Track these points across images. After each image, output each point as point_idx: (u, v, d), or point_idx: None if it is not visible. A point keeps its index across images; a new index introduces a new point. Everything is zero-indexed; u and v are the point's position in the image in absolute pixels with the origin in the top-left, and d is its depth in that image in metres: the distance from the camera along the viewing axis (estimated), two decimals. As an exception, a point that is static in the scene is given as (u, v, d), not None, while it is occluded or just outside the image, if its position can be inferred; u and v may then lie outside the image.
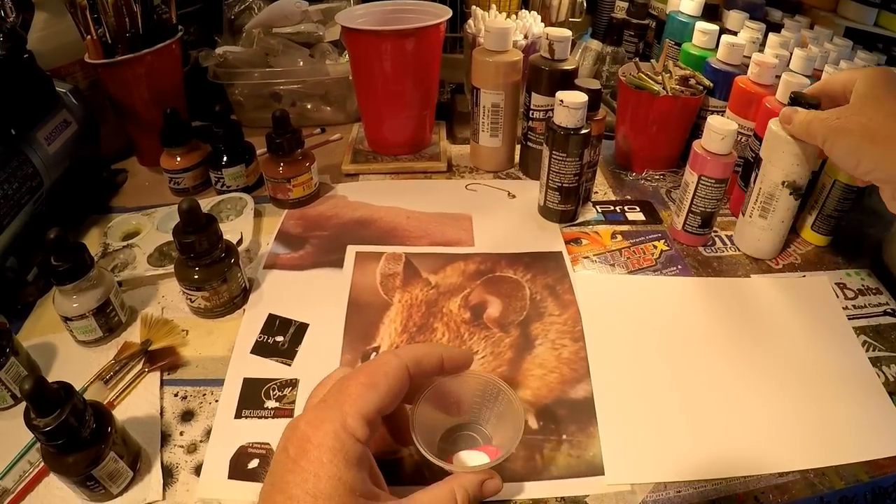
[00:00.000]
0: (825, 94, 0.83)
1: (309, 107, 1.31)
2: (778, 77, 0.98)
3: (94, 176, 1.13)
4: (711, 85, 1.11)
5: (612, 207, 1.10)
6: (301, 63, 1.27)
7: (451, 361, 0.63)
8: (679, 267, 0.97)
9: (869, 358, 0.85)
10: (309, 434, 0.50)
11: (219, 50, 1.27)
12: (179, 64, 1.21)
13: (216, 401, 0.75)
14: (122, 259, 0.96)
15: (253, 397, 0.75)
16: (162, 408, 0.74)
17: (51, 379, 0.59)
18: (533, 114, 1.11)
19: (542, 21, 1.27)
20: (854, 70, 0.82)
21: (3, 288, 0.86)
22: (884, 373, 0.84)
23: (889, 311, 0.93)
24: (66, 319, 0.79)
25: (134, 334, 0.83)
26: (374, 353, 0.80)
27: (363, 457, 0.51)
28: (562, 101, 0.94)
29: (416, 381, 0.59)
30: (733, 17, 1.26)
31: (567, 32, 1.05)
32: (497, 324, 0.85)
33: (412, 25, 1.06)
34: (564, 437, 0.72)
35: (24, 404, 0.59)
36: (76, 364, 0.80)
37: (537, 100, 1.09)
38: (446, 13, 1.10)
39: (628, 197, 1.14)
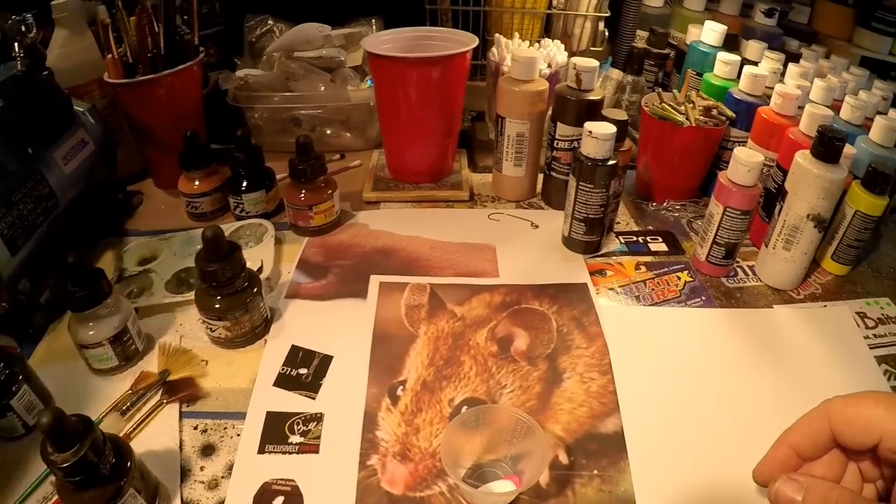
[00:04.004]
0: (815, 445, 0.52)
1: (329, 132, 1.29)
2: (800, 108, 0.97)
3: (109, 197, 1.11)
4: (734, 116, 1.10)
5: (634, 238, 1.09)
6: (322, 88, 1.26)
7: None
8: (703, 298, 0.96)
9: (891, 387, 0.86)
10: None
11: (239, 73, 1.25)
12: (200, 86, 1.19)
13: (238, 435, 0.73)
14: (139, 285, 0.94)
15: (276, 431, 0.73)
16: (181, 441, 0.72)
17: (64, 407, 0.57)
18: (558, 143, 1.10)
19: (564, 50, 1.26)
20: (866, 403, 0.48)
21: (15, 311, 0.83)
22: (905, 400, 0.83)
23: None
24: (82, 347, 0.77)
25: (151, 364, 0.81)
26: (401, 388, 0.79)
27: None
28: (591, 132, 0.93)
29: None
30: (752, 47, 1.26)
31: (594, 63, 1.04)
32: (525, 357, 0.84)
33: (439, 53, 1.05)
34: (596, 471, 0.70)
35: (36, 432, 0.57)
36: (91, 393, 0.78)
37: (563, 129, 1.08)
38: (473, 41, 1.09)
39: (650, 227, 1.13)
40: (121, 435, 0.70)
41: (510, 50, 1.18)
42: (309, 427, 0.73)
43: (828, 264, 1.04)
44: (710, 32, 1.28)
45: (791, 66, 1.13)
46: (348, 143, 1.32)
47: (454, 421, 0.67)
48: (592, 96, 1.05)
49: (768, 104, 1.04)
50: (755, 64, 1.17)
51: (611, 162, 0.95)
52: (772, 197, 1.00)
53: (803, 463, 0.50)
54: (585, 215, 0.99)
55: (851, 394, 0.45)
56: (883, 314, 0.97)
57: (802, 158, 0.89)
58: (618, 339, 0.88)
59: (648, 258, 1.05)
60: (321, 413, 0.75)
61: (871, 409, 0.45)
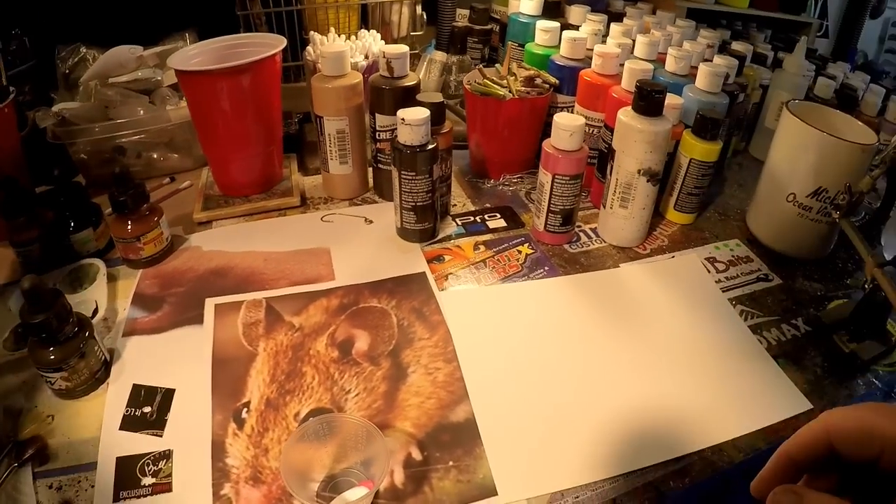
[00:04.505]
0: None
1: (155, 156, 1.28)
2: (623, 66, 1.00)
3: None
4: (557, 82, 1.13)
5: (472, 218, 1.12)
6: (142, 112, 1.24)
7: None
8: (546, 268, 0.99)
9: (749, 326, 0.90)
10: None
11: (55, 108, 1.22)
12: (15, 127, 1.16)
13: (91, 486, 0.73)
14: (-25, 347, 0.92)
15: (129, 477, 0.73)
16: (39, 503, 0.72)
17: None
18: (379, 135, 1.12)
19: (382, 39, 1.27)
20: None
21: None
22: (765, 338, 0.89)
23: (761, 276, 0.98)
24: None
25: (-4, 428, 0.80)
26: (245, 410, 0.80)
27: None
28: (403, 119, 0.95)
29: None
30: (575, 12, 1.29)
31: (403, 48, 1.06)
32: (367, 357, 0.86)
33: (246, 60, 1.04)
34: (451, 463, 0.72)
35: None
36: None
37: (382, 120, 1.10)
38: (280, 43, 1.09)
39: (488, 205, 1.16)
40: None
41: (323, 46, 1.18)
42: (160, 466, 0.74)
43: (672, 215, 1.08)
44: (528, 3, 1.32)
45: (613, 25, 1.16)
46: (176, 165, 1.30)
47: (291, 437, 0.69)
48: (407, 82, 1.07)
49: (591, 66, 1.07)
50: (577, 28, 1.20)
51: (430, 146, 0.97)
52: (604, 157, 1.03)
53: (803, 476, 0.47)
54: (413, 203, 1.02)
55: (851, 406, 0.44)
56: (733, 255, 1.02)
57: (625, 115, 0.93)
58: (460, 324, 0.90)
59: (487, 236, 1.08)
60: (170, 450, 0.76)
61: (872, 420, 0.42)
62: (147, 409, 0.81)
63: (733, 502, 0.76)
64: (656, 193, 0.98)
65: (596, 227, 1.07)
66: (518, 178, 1.21)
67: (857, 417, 0.42)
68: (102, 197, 1.10)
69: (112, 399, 0.83)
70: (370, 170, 1.22)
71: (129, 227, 1.01)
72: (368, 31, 1.29)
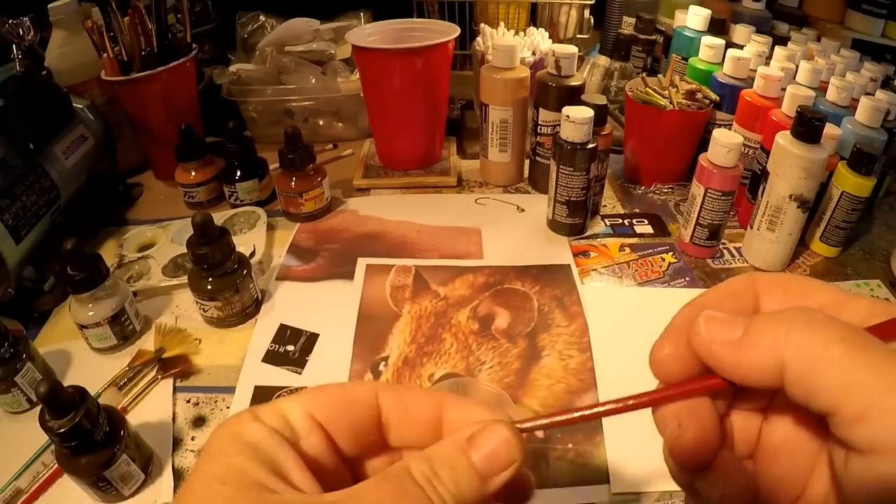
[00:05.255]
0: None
1: (321, 123, 1.33)
2: (784, 90, 0.98)
3: (110, 189, 1.15)
4: (718, 99, 1.11)
5: (620, 221, 1.11)
6: (313, 80, 1.29)
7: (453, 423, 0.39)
8: (687, 279, 0.98)
9: None
10: (221, 425, 0.39)
11: (232, 67, 1.29)
12: (194, 81, 1.23)
13: (227, 407, 0.76)
14: (138, 270, 0.97)
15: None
16: (174, 413, 0.76)
17: (66, 384, 0.61)
18: (541, 129, 1.12)
19: (549, 38, 1.28)
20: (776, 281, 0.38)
21: (21, 296, 0.88)
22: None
23: None
24: (82, 327, 0.81)
25: (148, 342, 0.85)
26: (384, 363, 0.82)
27: (270, 446, 0.37)
28: (568, 116, 0.95)
29: (393, 425, 0.39)
30: (739, 31, 1.27)
31: (573, 49, 1.06)
32: (505, 335, 0.86)
33: (421, 44, 1.07)
34: (570, 445, 0.72)
35: (39, 407, 0.60)
36: (91, 370, 0.81)
37: (545, 115, 1.10)
38: (454, 31, 1.11)
39: (637, 210, 1.14)
40: (118, 408, 0.73)
41: (493, 39, 1.20)
42: (295, 400, 0.76)
43: (817, 246, 1.05)
44: (695, 17, 1.30)
45: (778, 48, 1.15)
46: (340, 133, 1.35)
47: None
48: (572, 82, 1.07)
49: (752, 87, 1.05)
50: (742, 48, 1.19)
51: (590, 145, 0.97)
52: (757, 179, 1.01)
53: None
54: (567, 198, 1.02)
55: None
56: (873, 296, 0.97)
57: (782, 139, 0.90)
58: (598, 318, 0.89)
59: (633, 240, 1.06)
60: (306, 387, 0.78)
61: (805, 282, 0.36)
62: (290, 348, 0.84)
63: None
64: (804, 221, 0.96)
65: (740, 247, 1.05)
66: (669, 188, 1.20)
67: (787, 276, 0.37)
68: (267, 153, 1.15)
69: (259, 333, 0.86)
70: (527, 161, 1.22)
71: (294, 182, 1.05)
72: (537, 28, 1.31)
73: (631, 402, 0.38)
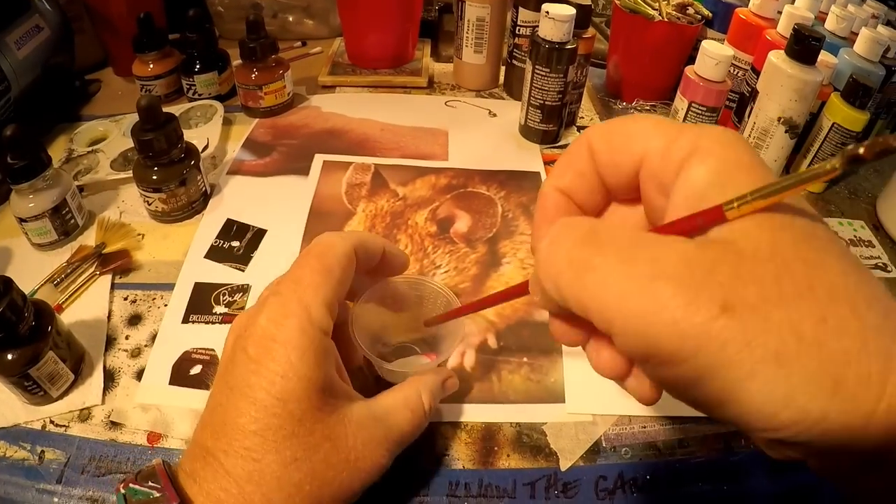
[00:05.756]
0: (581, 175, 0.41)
1: (291, 19, 1.27)
2: (780, 12, 0.95)
3: (66, 84, 1.11)
4: (710, 15, 1.08)
5: (596, 133, 1.07)
6: (283, -28, 1.23)
7: (392, 256, 0.58)
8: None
9: None
10: (272, 332, 0.45)
11: (199, -43, 1.23)
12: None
13: (165, 305, 0.73)
14: (86, 164, 0.93)
15: (202, 302, 0.73)
16: (110, 311, 0.73)
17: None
18: (519, 30, 1.07)
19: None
20: (674, 127, 0.35)
21: (-39, 189, 0.84)
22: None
23: (881, 264, 0.91)
24: (21, 221, 0.77)
25: (90, 238, 0.81)
26: (331, 261, 0.78)
27: (330, 351, 0.47)
28: (547, 12, 0.90)
29: (359, 268, 0.54)
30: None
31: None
32: (464, 239, 0.83)
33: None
34: (525, 359, 0.69)
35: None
36: (30, 267, 0.78)
37: (525, 15, 1.05)
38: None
39: (616, 125, 1.10)
40: (54, 305, 0.69)
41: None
42: (234, 298, 0.74)
43: (802, 179, 1.02)
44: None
45: (777, -34, 1.10)
46: (310, 31, 1.29)
47: (364, 297, 0.63)
48: (556, -22, 1.02)
49: (748, 5, 1.02)
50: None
51: (569, 46, 0.92)
52: (744, 101, 0.98)
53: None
54: (542, 102, 0.97)
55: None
56: (855, 236, 0.95)
57: (776, 57, 0.87)
58: (566, 231, 0.86)
59: (609, 153, 1.02)
60: (248, 284, 0.75)
61: (633, 123, 0.36)
62: (235, 244, 0.81)
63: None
64: (790, 149, 0.93)
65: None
66: (651, 105, 1.16)
67: (620, 122, 0.38)
68: (232, 50, 1.10)
69: (204, 228, 0.83)
70: (503, 67, 1.18)
71: (254, 74, 1.00)
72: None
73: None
